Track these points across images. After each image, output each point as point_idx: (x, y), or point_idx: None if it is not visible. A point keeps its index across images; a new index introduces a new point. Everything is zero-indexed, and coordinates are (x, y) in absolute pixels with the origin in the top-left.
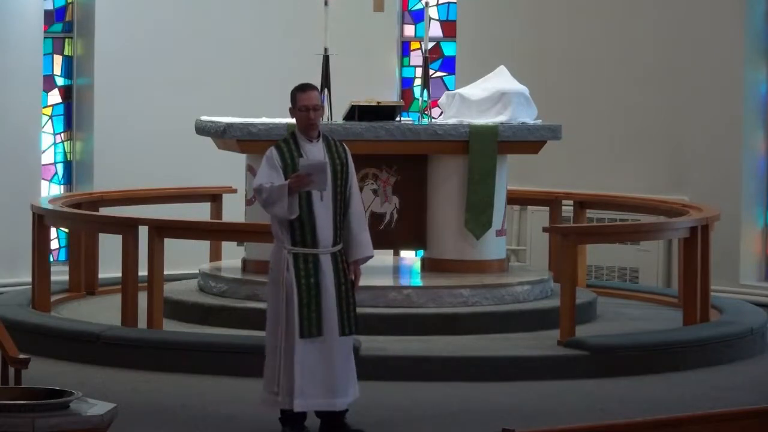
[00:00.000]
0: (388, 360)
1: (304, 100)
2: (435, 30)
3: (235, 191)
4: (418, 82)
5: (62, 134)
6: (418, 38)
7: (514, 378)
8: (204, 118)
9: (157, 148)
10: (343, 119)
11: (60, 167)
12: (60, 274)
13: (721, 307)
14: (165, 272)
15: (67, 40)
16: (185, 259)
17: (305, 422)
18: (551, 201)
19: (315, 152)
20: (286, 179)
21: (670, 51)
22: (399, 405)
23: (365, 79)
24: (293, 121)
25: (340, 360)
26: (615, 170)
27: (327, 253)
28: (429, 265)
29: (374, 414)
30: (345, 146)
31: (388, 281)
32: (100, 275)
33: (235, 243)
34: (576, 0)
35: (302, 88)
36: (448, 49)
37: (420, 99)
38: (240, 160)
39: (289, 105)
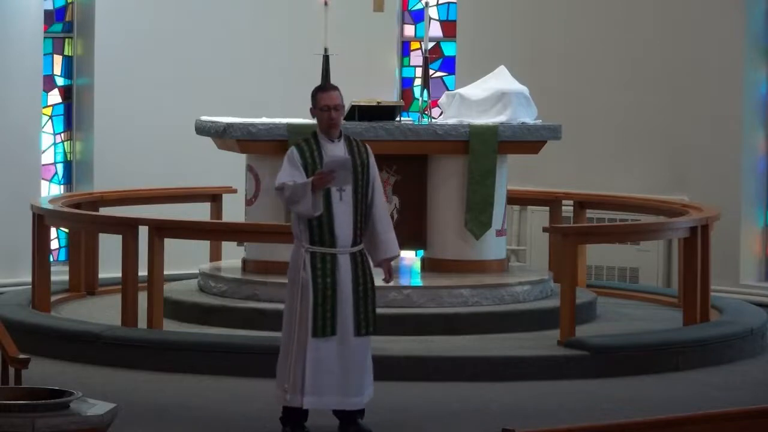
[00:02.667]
0: (388, 360)
1: (326, 100)
2: (435, 30)
3: (235, 191)
4: (418, 82)
5: (62, 134)
6: (418, 38)
7: (514, 378)
8: (204, 118)
9: (157, 148)
10: (343, 119)
11: (60, 167)
12: (60, 274)
13: (721, 307)
14: (165, 272)
15: (67, 40)
16: (185, 259)
17: (306, 422)
18: (551, 201)
19: (336, 152)
20: (307, 178)
21: (670, 51)
22: (399, 405)
23: (365, 79)
24: (293, 121)
25: (355, 360)
26: (615, 170)
27: (346, 253)
28: (429, 265)
29: (374, 414)
30: (367, 146)
31: None
32: (100, 275)
33: (235, 243)
34: (576, 0)
35: (323, 88)
36: (448, 49)
37: (420, 99)
38: (240, 160)
39: (310, 105)
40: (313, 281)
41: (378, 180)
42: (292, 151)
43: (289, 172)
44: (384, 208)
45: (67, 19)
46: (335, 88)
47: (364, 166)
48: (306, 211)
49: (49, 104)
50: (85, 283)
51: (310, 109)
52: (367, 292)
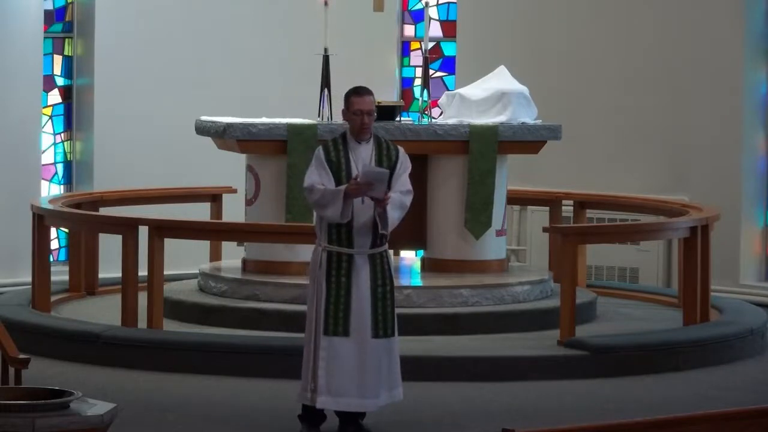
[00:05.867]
0: None
1: (360, 104)
2: (435, 30)
3: (235, 191)
4: (418, 82)
5: (62, 134)
6: (418, 38)
7: (514, 378)
8: (204, 118)
9: (157, 148)
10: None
11: (60, 167)
12: (60, 274)
13: (721, 307)
14: (165, 272)
15: (67, 40)
16: (185, 259)
17: (322, 424)
18: (551, 201)
19: (364, 154)
20: (332, 178)
21: (670, 51)
22: (399, 405)
23: (365, 79)
24: (294, 121)
25: (372, 361)
26: (615, 170)
27: (364, 254)
28: (429, 265)
29: (374, 414)
30: (399, 148)
31: None
32: (100, 275)
33: (235, 243)
34: (576, 0)
35: (358, 92)
36: (448, 49)
37: (420, 99)
38: (240, 160)
39: (342, 107)
40: (327, 280)
41: (406, 176)
42: (319, 150)
43: (318, 173)
44: (402, 193)
45: (67, 19)
46: (369, 93)
47: (392, 169)
48: (334, 216)
49: (49, 104)
50: (85, 283)
51: (342, 111)
52: (385, 294)
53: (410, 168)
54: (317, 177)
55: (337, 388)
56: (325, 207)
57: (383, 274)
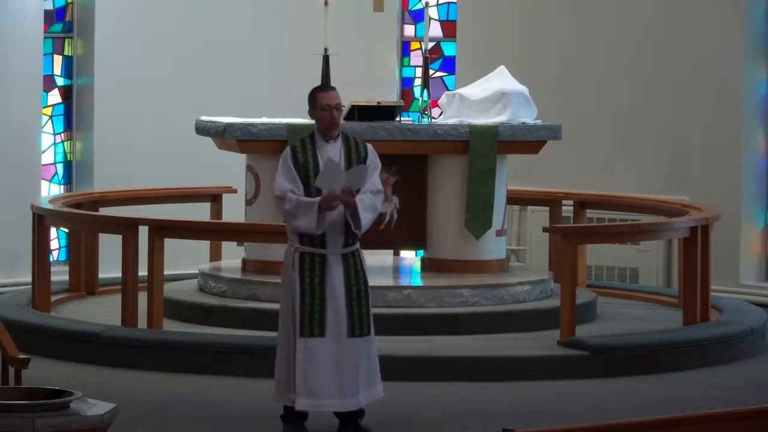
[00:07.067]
0: (388, 360)
1: (327, 99)
2: (435, 30)
3: (235, 191)
4: (418, 82)
5: (62, 134)
6: (418, 38)
7: (514, 378)
8: (204, 118)
9: (157, 148)
10: (343, 119)
11: (60, 167)
12: (60, 274)
13: (721, 307)
14: (165, 272)
15: (67, 40)
16: (185, 259)
17: (306, 422)
18: (551, 201)
19: (332, 152)
20: (300, 181)
21: (670, 51)
22: (399, 405)
23: (365, 79)
24: (293, 121)
25: (350, 361)
26: (615, 170)
27: (336, 254)
28: (429, 265)
29: (374, 414)
30: (367, 145)
31: (388, 281)
32: (100, 275)
33: (235, 243)
34: (575, 0)
35: (323, 88)
36: (448, 49)
37: (420, 99)
38: (240, 160)
39: (308, 107)
40: (301, 281)
41: (376, 175)
42: (286, 153)
43: (287, 180)
44: (373, 193)
45: (67, 19)
46: (334, 88)
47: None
48: (308, 227)
49: (49, 104)
50: (85, 283)
51: (309, 111)
52: (360, 294)
53: (380, 167)
54: (288, 184)
55: (316, 390)
56: (297, 218)
57: (357, 274)
